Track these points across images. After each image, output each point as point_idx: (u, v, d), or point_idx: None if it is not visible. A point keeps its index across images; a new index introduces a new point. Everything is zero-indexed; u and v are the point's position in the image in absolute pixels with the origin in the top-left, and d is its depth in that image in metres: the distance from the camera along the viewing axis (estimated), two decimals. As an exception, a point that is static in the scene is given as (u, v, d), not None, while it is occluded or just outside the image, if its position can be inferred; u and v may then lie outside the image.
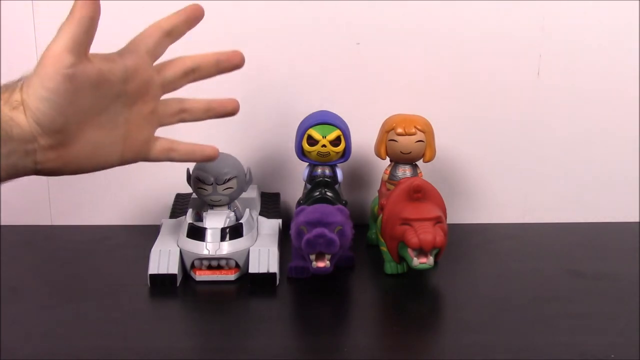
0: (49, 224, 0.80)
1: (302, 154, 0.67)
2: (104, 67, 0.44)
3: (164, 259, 0.63)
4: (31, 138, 0.42)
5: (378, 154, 0.69)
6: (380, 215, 0.65)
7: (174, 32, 0.49)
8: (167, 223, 0.69)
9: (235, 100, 0.52)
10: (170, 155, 0.51)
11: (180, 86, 0.50)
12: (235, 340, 0.54)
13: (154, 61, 0.48)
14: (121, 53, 0.46)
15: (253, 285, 0.63)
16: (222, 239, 0.63)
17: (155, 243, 0.65)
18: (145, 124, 0.48)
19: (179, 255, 0.63)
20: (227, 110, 0.52)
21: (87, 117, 0.44)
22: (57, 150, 0.43)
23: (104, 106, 0.45)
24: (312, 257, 0.59)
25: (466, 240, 0.74)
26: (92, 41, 0.42)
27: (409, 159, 0.68)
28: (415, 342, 0.55)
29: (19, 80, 0.43)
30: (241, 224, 0.64)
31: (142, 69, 0.46)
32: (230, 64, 0.51)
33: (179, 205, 0.73)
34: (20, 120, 0.41)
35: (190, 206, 0.69)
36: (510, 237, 0.76)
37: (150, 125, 0.48)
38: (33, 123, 0.41)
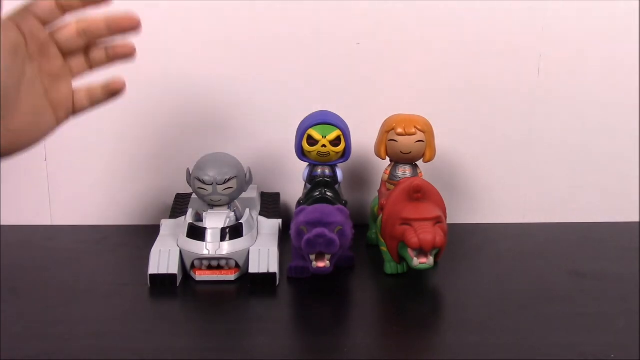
0: (49, 224, 0.80)
1: (302, 154, 0.67)
2: (12, 31, 0.45)
3: (164, 259, 0.63)
4: None
5: (378, 154, 0.69)
6: (380, 215, 0.65)
7: (67, 5, 0.48)
8: (167, 223, 0.69)
9: (131, 43, 0.51)
10: (92, 100, 0.51)
11: (78, 46, 0.50)
12: (235, 340, 0.54)
13: (45, 26, 0.48)
14: (12, 18, 0.46)
15: (253, 285, 0.63)
16: (222, 239, 0.63)
17: (155, 243, 0.65)
18: (57, 81, 0.49)
19: (179, 255, 0.63)
20: (126, 53, 0.52)
21: (17, 84, 0.45)
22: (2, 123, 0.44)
23: (22, 71, 0.46)
24: (312, 257, 0.59)
25: (466, 240, 0.74)
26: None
27: (409, 159, 0.68)
28: (415, 342, 0.55)
29: None
30: (241, 224, 0.64)
31: (36, 33, 0.47)
32: (123, 26, 0.50)
33: (179, 205, 0.73)
34: None
35: (190, 206, 0.69)
36: (510, 237, 0.76)
37: (63, 80, 0.49)
38: None
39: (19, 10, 0.47)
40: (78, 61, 0.51)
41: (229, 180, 0.63)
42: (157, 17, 0.73)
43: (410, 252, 0.60)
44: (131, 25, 0.50)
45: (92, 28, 0.50)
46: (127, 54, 0.52)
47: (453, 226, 0.66)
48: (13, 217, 0.78)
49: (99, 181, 0.78)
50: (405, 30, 0.75)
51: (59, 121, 0.49)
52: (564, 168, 0.79)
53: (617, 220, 0.80)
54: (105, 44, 0.51)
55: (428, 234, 0.58)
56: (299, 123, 0.69)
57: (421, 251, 0.59)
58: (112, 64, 0.52)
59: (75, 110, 0.51)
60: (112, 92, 0.52)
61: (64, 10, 0.49)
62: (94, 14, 0.50)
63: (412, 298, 0.62)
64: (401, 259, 0.63)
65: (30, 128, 0.47)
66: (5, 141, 0.45)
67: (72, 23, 0.50)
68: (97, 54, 0.51)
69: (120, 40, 0.51)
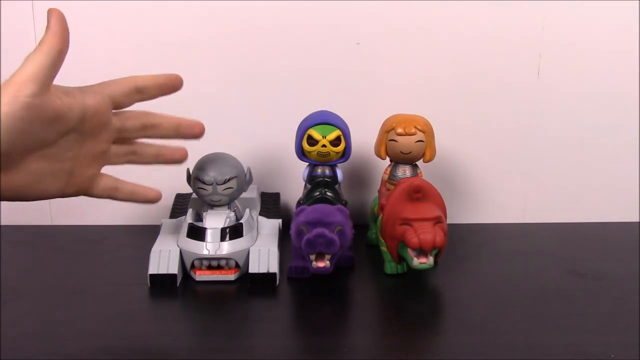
0: (49, 224, 0.80)
1: (302, 154, 0.67)
2: (64, 101, 0.43)
3: (164, 259, 0.63)
4: None
5: (378, 154, 0.69)
6: (380, 215, 0.65)
7: (145, 91, 0.49)
8: (167, 223, 0.69)
9: (185, 150, 0.54)
10: (113, 194, 0.51)
11: (136, 137, 0.51)
12: (235, 340, 0.54)
13: (116, 108, 0.48)
14: (83, 90, 0.46)
15: (253, 285, 0.63)
16: (222, 239, 0.63)
17: (155, 243, 0.65)
18: (93, 163, 0.48)
19: (179, 255, 0.63)
20: (175, 159, 0.53)
21: (34, 148, 0.43)
22: None
23: (54, 140, 0.44)
24: (312, 257, 0.59)
25: (466, 240, 0.74)
26: (56, 74, 0.43)
27: (409, 159, 0.68)
28: (415, 342, 0.55)
29: None
30: (241, 224, 0.64)
31: (101, 112, 0.46)
32: (190, 132, 0.52)
33: (179, 205, 0.73)
34: None
35: (190, 206, 0.69)
36: (510, 237, 0.76)
37: (97, 164, 0.49)
38: None
39: (95, 86, 0.46)
40: (120, 150, 0.50)
41: (229, 180, 0.63)
42: (157, 15, 0.73)
43: (410, 252, 0.60)
44: (198, 133, 0.52)
45: (162, 126, 0.50)
46: (178, 161, 0.53)
47: (453, 226, 0.66)
48: (13, 217, 0.78)
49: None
50: (405, 30, 0.75)
51: (63, 194, 0.48)
52: (564, 168, 0.79)
53: (617, 220, 0.80)
54: (159, 145, 0.51)
55: (428, 234, 0.58)
56: (299, 123, 0.69)
57: (421, 251, 0.59)
58: (157, 164, 0.52)
59: (88, 194, 0.50)
60: (143, 201, 0.52)
61: (140, 96, 0.49)
62: (163, 113, 0.50)
63: (412, 298, 0.62)
64: (401, 259, 0.63)
65: (25, 188, 0.45)
66: (5, 191, 0.44)
67: (141, 115, 0.50)
68: (148, 150, 0.51)
69: (175, 147, 0.52)
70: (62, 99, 0.43)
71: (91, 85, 0.47)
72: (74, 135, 0.45)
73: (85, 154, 0.47)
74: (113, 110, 0.48)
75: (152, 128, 0.50)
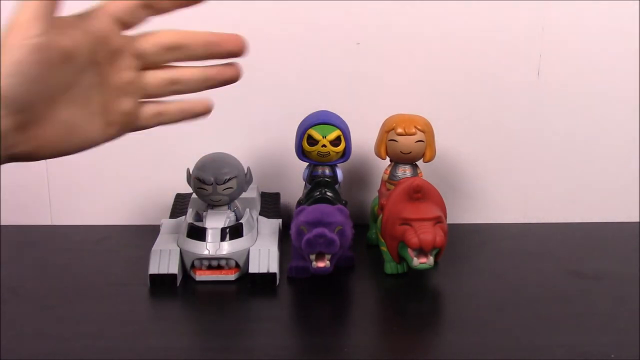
0: (49, 224, 0.80)
1: (302, 154, 0.67)
2: (70, 35, 0.39)
3: (164, 259, 0.63)
4: None
5: (378, 154, 0.69)
6: (380, 215, 0.65)
7: (155, 4, 0.43)
8: (167, 223, 0.69)
9: (237, 66, 0.45)
10: (161, 120, 0.45)
11: (166, 61, 0.44)
12: (235, 340, 0.54)
13: (123, 30, 0.42)
14: (83, 17, 0.40)
15: (253, 285, 0.63)
16: (222, 239, 0.63)
17: (155, 243, 0.65)
18: (124, 95, 0.43)
19: (179, 255, 0.63)
20: (227, 77, 0.45)
21: (57, 93, 0.39)
22: (25, 131, 0.39)
23: (74, 79, 0.40)
24: (312, 257, 0.59)
25: (466, 240, 0.74)
26: (59, 6, 0.38)
27: (409, 159, 0.68)
28: (415, 342, 0.55)
29: None
30: (241, 224, 0.64)
31: (110, 37, 0.41)
32: (223, 49, 0.44)
33: (179, 205, 0.73)
34: None
35: (190, 206, 0.69)
36: (510, 237, 0.76)
37: (130, 95, 0.43)
38: None
39: (93, 9, 0.41)
40: (156, 79, 0.44)
41: (229, 180, 0.63)
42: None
43: (410, 252, 0.60)
44: (235, 49, 0.43)
45: (191, 44, 0.43)
46: (233, 78, 0.45)
47: (453, 226, 0.66)
48: (13, 217, 0.78)
49: (99, 181, 0.78)
50: (405, 30, 0.75)
51: (106, 137, 0.43)
52: (564, 168, 0.79)
53: (617, 220, 0.80)
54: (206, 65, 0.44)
55: (428, 234, 0.58)
56: (299, 123, 0.69)
57: (421, 251, 0.59)
58: (208, 89, 0.45)
59: (135, 128, 0.44)
60: (195, 115, 0.46)
61: (149, 10, 0.42)
62: (190, 28, 0.43)
63: (412, 298, 0.62)
64: (401, 259, 0.63)
65: (59, 140, 0.41)
66: (25, 149, 0.39)
67: (160, 33, 0.43)
68: (192, 75, 0.44)
69: (222, 66, 0.44)
70: (66, 33, 0.39)
71: (90, 9, 0.41)
72: (92, 69, 0.41)
73: (111, 87, 0.42)
74: (123, 32, 0.42)
75: (179, 48, 0.43)
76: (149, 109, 0.45)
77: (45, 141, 0.40)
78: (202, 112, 0.46)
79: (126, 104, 0.43)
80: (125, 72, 0.42)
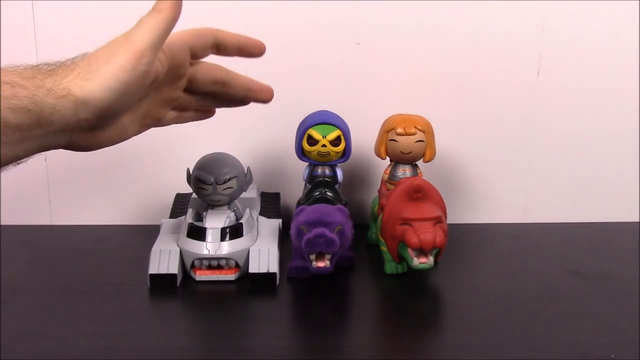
0: (49, 224, 0.80)
1: (302, 154, 0.67)
2: (162, 59, 0.43)
3: (164, 259, 0.63)
4: (74, 122, 0.40)
5: (378, 154, 0.69)
6: (380, 215, 0.65)
7: (223, 47, 0.49)
8: (167, 223, 0.69)
9: (270, 90, 0.53)
10: (178, 122, 0.51)
11: (205, 91, 0.50)
12: (235, 340, 0.54)
13: (192, 59, 0.48)
14: (169, 43, 0.44)
15: (253, 285, 0.63)
16: (222, 238, 0.63)
17: (155, 243, 0.65)
18: (165, 107, 0.48)
19: (179, 255, 0.63)
20: (261, 98, 0.53)
21: (131, 107, 0.44)
22: (94, 132, 0.42)
23: (140, 96, 0.44)
24: (312, 257, 0.59)
25: (466, 240, 0.74)
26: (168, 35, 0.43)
27: (409, 159, 0.68)
28: (415, 342, 0.55)
29: (61, 66, 0.41)
30: (241, 224, 0.64)
31: (182, 64, 0.46)
32: (259, 96, 0.52)
33: (179, 205, 0.73)
34: (65, 106, 0.39)
35: (190, 206, 0.69)
36: (511, 237, 0.76)
37: (168, 107, 0.49)
38: (84, 110, 0.40)
39: (179, 35, 0.45)
40: (191, 99, 0.50)
41: (229, 180, 0.63)
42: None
43: (410, 252, 0.60)
44: (266, 98, 0.52)
45: (232, 85, 0.50)
46: (264, 100, 0.53)
47: (453, 226, 0.66)
48: (13, 217, 0.78)
49: (99, 181, 0.78)
50: (405, 30, 0.75)
51: (137, 134, 0.48)
52: (564, 168, 0.79)
53: (617, 220, 0.80)
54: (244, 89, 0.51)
55: (428, 234, 0.58)
56: (299, 123, 0.69)
57: (421, 251, 0.59)
58: (244, 104, 0.52)
59: (157, 125, 0.50)
60: (203, 118, 0.52)
61: (216, 51, 0.48)
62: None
63: (412, 298, 0.62)
64: (401, 259, 0.63)
65: (112, 139, 0.45)
66: (84, 144, 0.43)
67: (215, 68, 0.50)
68: (235, 86, 0.51)
69: (261, 84, 0.52)
70: (159, 57, 0.43)
71: (173, 35, 0.45)
72: (154, 89, 0.45)
73: (160, 100, 0.47)
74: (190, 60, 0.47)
75: (223, 84, 0.50)
76: (173, 114, 0.50)
77: (102, 140, 0.44)
78: (210, 116, 0.54)
79: (164, 112, 0.49)
80: (176, 92, 0.48)
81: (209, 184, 0.62)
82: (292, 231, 0.60)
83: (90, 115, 0.40)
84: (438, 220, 0.60)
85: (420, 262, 0.60)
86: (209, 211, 0.64)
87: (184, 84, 0.48)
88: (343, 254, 0.62)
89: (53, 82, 0.39)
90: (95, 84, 0.40)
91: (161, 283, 0.62)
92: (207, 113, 0.53)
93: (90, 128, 0.42)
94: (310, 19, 0.74)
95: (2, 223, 0.78)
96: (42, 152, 0.41)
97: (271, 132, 0.77)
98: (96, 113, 0.40)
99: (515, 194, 0.80)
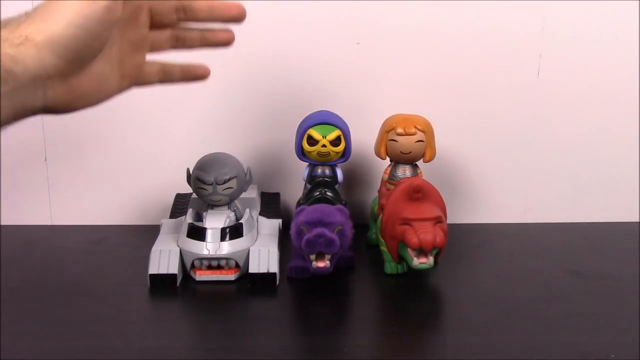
0: (49, 224, 0.80)
1: (302, 154, 0.67)
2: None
3: (164, 259, 0.63)
4: (42, 72, 0.39)
5: (378, 154, 0.69)
6: (380, 215, 0.65)
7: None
8: (167, 223, 0.69)
9: (231, 32, 0.50)
10: (164, 77, 0.50)
11: (170, 21, 0.48)
12: (235, 340, 0.54)
13: None
14: None
15: (253, 285, 0.63)
16: (222, 239, 0.63)
17: (155, 243, 0.65)
18: (136, 50, 0.46)
19: (179, 255, 0.63)
20: (221, 41, 0.50)
21: (103, 49, 0.42)
22: (67, 82, 0.41)
23: (109, 36, 0.43)
24: (312, 257, 0.59)
25: (466, 240, 0.74)
26: None
27: (409, 159, 0.68)
28: (415, 342, 0.55)
29: (18, 17, 0.40)
30: (241, 224, 0.64)
31: None
32: (225, 14, 0.48)
33: (179, 205, 0.73)
34: (26, 53, 0.38)
35: (190, 206, 0.69)
36: (511, 237, 0.76)
37: (141, 51, 0.47)
38: (49, 54, 0.38)
39: None
40: (162, 36, 0.48)
41: (229, 180, 0.63)
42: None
43: (410, 252, 0.60)
44: (236, 15, 0.48)
45: (193, 7, 0.48)
46: (227, 42, 0.49)
47: (453, 226, 0.66)
48: (13, 217, 0.78)
49: (99, 181, 0.78)
50: (405, 30, 0.75)
51: (120, 90, 0.46)
52: (564, 168, 0.79)
53: (617, 220, 0.80)
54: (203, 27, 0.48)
55: (428, 234, 0.58)
56: (299, 123, 0.69)
57: (421, 251, 0.59)
58: (204, 48, 0.49)
59: (141, 83, 0.48)
60: (195, 77, 0.50)
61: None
62: None
63: (412, 298, 0.62)
64: (401, 259, 0.63)
65: (92, 92, 0.43)
66: (64, 99, 0.42)
67: None
68: (192, 35, 0.49)
69: (220, 28, 0.49)
70: None
71: None
72: (117, 28, 0.44)
73: (128, 42, 0.45)
74: None
75: (184, 11, 0.48)
76: (155, 66, 0.49)
77: (81, 93, 0.42)
78: (202, 75, 0.51)
79: (138, 57, 0.47)
80: (141, 29, 0.46)
81: (209, 184, 0.62)
82: (292, 231, 0.60)
83: (57, 60, 0.39)
84: (438, 220, 0.60)
85: (420, 262, 0.60)
86: (209, 211, 0.64)
87: (146, 19, 0.46)
88: (343, 254, 0.62)
89: (8, 32, 0.38)
90: (55, 22, 0.38)
91: (161, 283, 0.62)
92: (197, 72, 0.51)
93: (62, 76, 0.40)
94: (310, 19, 0.74)
95: (2, 223, 0.78)
96: (27, 118, 0.40)
97: (271, 132, 0.77)
98: (63, 55, 0.39)
99: (515, 194, 0.80)
